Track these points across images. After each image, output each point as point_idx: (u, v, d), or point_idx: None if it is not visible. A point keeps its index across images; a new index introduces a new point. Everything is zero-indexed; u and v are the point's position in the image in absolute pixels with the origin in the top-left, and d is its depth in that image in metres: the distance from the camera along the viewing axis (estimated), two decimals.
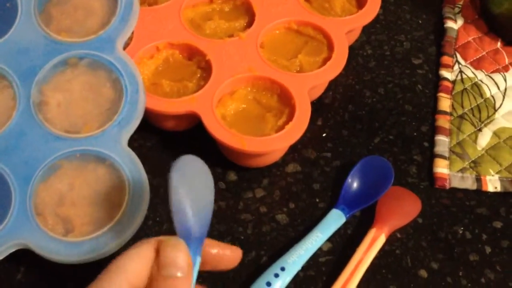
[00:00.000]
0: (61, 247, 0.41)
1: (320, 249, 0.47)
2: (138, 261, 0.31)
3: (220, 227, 0.48)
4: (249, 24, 0.57)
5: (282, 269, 0.44)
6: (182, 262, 0.32)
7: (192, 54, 0.54)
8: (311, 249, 0.46)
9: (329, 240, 0.47)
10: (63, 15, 0.50)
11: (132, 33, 0.53)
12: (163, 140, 0.54)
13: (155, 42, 0.54)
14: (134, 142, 0.52)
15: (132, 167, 0.44)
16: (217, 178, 0.51)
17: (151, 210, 0.49)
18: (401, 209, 0.49)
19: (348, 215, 0.48)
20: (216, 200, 0.49)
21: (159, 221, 0.49)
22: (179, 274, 0.31)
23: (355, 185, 0.50)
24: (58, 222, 0.43)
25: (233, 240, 0.48)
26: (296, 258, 0.45)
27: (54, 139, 0.45)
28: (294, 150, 0.53)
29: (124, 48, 0.52)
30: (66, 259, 0.41)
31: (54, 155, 0.44)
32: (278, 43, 0.56)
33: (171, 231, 0.47)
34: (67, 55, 0.48)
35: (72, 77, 0.47)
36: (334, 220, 0.48)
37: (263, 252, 0.47)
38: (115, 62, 0.47)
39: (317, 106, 0.56)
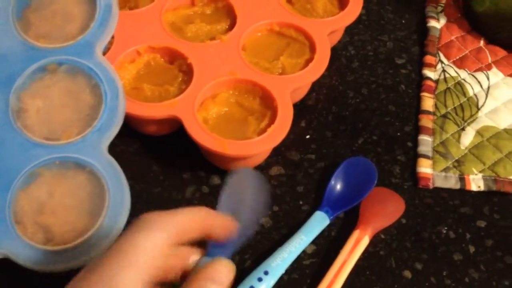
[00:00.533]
0: (41, 256, 0.41)
1: (304, 251, 0.47)
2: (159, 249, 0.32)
3: None
4: (231, 26, 0.56)
5: (266, 273, 0.44)
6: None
7: (174, 57, 0.54)
8: (294, 252, 0.46)
9: (313, 242, 0.47)
10: (42, 21, 0.49)
11: (113, 37, 0.52)
12: (145, 145, 0.53)
13: (136, 46, 0.53)
14: (116, 148, 0.52)
15: (112, 173, 0.44)
16: (200, 182, 0.51)
17: (133, 216, 0.48)
18: (385, 210, 0.49)
19: (332, 217, 0.48)
20: (199, 204, 0.49)
21: None
22: None
23: (338, 186, 0.50)
24: (38, 230, 0.42)
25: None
26: (280, 262, 0.45)
27: (33, 146, 0.45)
28: (277, 153, 0.53)
29: (105, 53, 0.51)
30: (46, 267, 0.41)
31: (34, 162, 0.44)
32: (260, 46, 0.56)
33: None
34: (45, 61, 0.47)
35: (51, 83, 0.47)
36: (318, 222, 0.48)
37: (247, 256, 0.47)
38: (94, 67, 0.47)
39: (301, 107, 0.56)
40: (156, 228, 0.32)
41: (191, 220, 0.34)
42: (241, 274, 0.45)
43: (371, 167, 0.50)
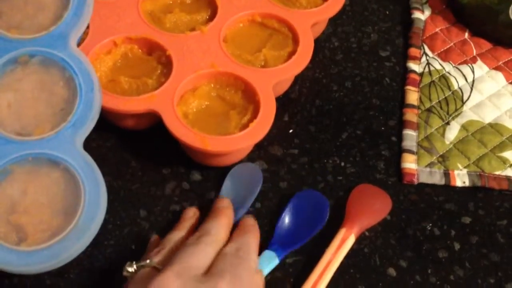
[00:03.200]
0: (13, 257, 0.39)
1: None
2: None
3: None
4: (212, 17, 0.55)
5: None
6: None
7: (152, 49, 0.52)
8: None
9: None
10: (13, 10, 0.47)
11: (88, 27, 0.50)
12: (123, 139, 0.52)
13: (112, 36, 0.51)
14: (92, 142, 0.50)
15: (87, 170, 0.42)
16: (180, 178, 0.50)
17: (111, 214, 0.47)
18: (371, 208, 0.48)
19: (281, 256, 0.45)
20: (180, 201, 0.48)
21: (119, 225, 0.47)
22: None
23: (289, 223, 0.47)
24: (11, 230, 0.41)
25: None
26: None
27: (4, 142, 0.43)
28: (259, 148, 0.52)
29: (80, 44, 0.49)
30: (18, 269, 0.39)
31: (5, 159, 0.42)
32: (242, 37, 0.54)
33: (133, 235, 0.46)
34: (17, 53, 0.45)
35: (22, 76, 0.45)
36: (266, 260, 0.44)
37: None
38: (68, 59, 0.45)
39: (283, 101, 0.55)
40: None
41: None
42: None
43: (322, 200, 0.47)
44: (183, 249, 0.40)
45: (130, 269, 0.39)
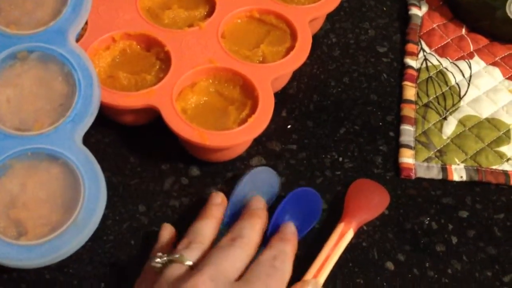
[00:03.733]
0: (13, 251, 0.39)
1: None
2: None
3: (184, 225, 0.46)
4: (210, 13, 0.55)
5: None
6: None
7: (150, 45, 0.52)
8: None
9: None
10: (12, 6, 0.47)
11: (86, 23, 0.51)
12: (122, 135, 0.52)
13: (111, 32, 0.51)
14: (91, 138, 0.50)
15: (87, 165, 0.42)
16: (179, 174, 0.50)
17: (110, 209, 0.47)
18: (370, 203, 0.48)
19: None
20: (179, 197, 0.49)
21: (118, 220, 0.47)
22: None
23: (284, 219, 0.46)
24: (10, 224, 0.41)
25: None
26: None
27: (3, 137, 0.43)
28: (258, 143, 0.52)
29: (78, 39, 0.49)
30: (18, 263, 0.39)
31: (4, 154, 0.42)
32: (240, 33, 0.54)
33: (132, 230, 0.46)
34: (16, 49, 0.46)
35: (21, 71, 0.45)
36: None
37: None
38: (67, 54, 0.45)
39: (282, 97, 0.55)
40: None
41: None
42: None
43: (316, 197, 0.47)
44: (217, 251, 0.39)
45: (159, 261, 0.39)
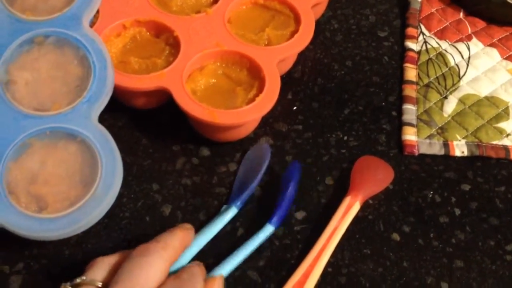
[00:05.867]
0: (36, 224, 0.41)
1: (294, 218, 0.48)
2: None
3: (196, 202, 0.48)
4: (215, 0, 0.57)
5: None
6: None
7: (160, 31, 0.54)
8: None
9: (303, 209, 0.48)
10: None
11: (98, 11, 0.52)
12: (134, 118, 0.54)
13: (122, 20, 0.53)
14: (104, 122, 0.51)
15: (103, 142, 0.44)
16: (190, 154, 0.51)
17: (125, 188, 0.49)
18: (375, 177, 0.50)
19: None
20: (190, 176, 0.50)
21: (134, 198, 0.49)
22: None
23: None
24: (31, 200, 0.42)
25: (208, 214, 0.48)
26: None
27: (23, 117, 0.44)
28: (265, 124, 0.54)
29: (91, 27, 0.51)
30: (39, 234, 0.41)
31: (24, 133, 0.44)
32: (245, 18, 0.56)
33: (146, 207, 0.48)
34: (32, 34, 0.47)
35: (39, 55, 0.47)
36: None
37: (238, 224, 0.47)
38: (81, 39, 0.47)
39: (287, 80, 0.57)
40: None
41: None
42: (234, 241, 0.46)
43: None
44: (128, 263, 0.36)
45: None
